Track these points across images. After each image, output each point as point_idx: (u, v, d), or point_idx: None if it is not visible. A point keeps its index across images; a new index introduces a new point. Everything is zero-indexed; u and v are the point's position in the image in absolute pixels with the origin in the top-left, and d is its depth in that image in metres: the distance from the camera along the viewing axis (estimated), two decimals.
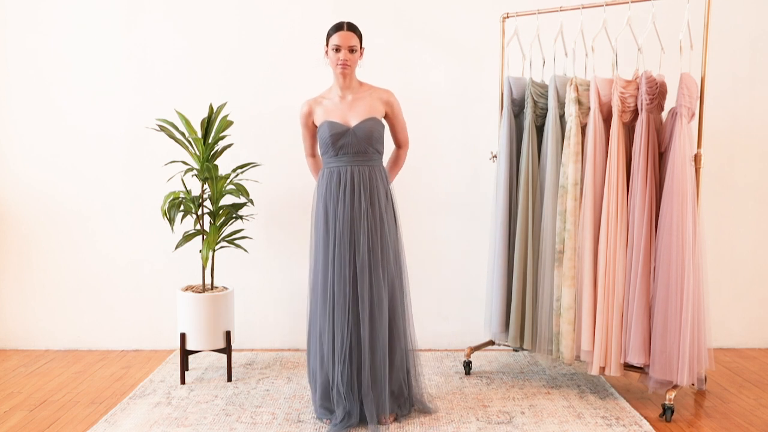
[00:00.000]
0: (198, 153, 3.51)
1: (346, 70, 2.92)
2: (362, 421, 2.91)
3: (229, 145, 3.66)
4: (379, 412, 2.90)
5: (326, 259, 2.94)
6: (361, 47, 2.97)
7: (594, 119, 3.22)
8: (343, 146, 2.93)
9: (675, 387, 3.08)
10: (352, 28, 2.94)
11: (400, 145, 3.18)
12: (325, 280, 2.93)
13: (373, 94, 3.01)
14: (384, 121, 3.06)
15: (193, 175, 3.55)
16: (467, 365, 3.63)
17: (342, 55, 2.89)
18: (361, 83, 3.04)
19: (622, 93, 3.15)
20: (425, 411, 3.07)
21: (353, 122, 2.94)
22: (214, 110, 3.52)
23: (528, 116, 3.47)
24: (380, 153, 3.01)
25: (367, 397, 2.87)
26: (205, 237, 3.51)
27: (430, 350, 4.08)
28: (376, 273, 2.90)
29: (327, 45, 2.95)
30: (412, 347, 3.05)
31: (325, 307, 2.92)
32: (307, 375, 3.09)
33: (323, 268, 2.95)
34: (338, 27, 2.92)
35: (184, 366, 3.52)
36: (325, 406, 2.96)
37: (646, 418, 3.04)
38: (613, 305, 3.17)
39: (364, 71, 3.14)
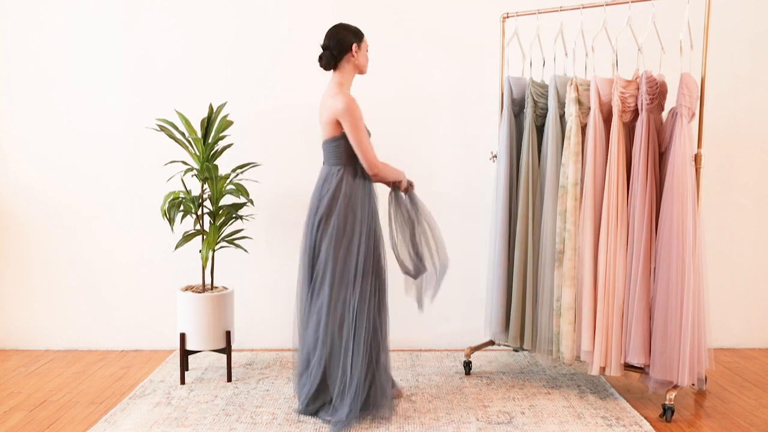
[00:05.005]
0: (198, 153, 3.51)
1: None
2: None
3: (229, 145, 3.66)
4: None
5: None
6: None
7: (594, 119, 3.22)
8: None
9: (675, 387, 3.08)
10: None
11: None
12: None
13: None
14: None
15: (193, 175, 3.55)
16: (467, 365, 3.63)
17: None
18: None
19: (622, 93, 3.15)
20: (381, 416, 2.99)
21: None
22: (214, 110, 3.52)
23: (528, 116, 3.46)
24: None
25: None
26: (205, 237, 3.51)
27: (430, 350, 4.08)
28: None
29: (359, 46, 2.95)
30: (364, 347, 2.94)
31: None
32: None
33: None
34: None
35: (184, 366, 3.52)
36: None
37: (646, 418, 3.04)
38: (613, 305, 3.17)
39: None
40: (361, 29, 3.02)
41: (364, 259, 2.94)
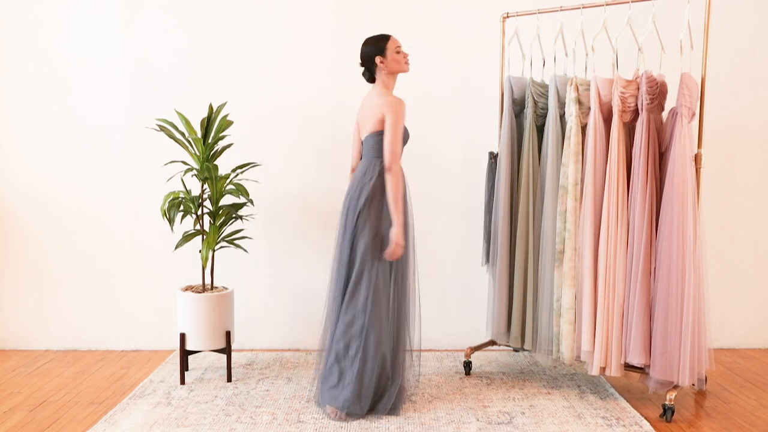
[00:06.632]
0: (198, 153, 3.51)
1: (408, 66, 3.18)
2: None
3: (229, 145, 3.66)
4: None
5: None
6: None
7: (594, 119, 3.22)
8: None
9: (675, 387, 3.08)
10: None
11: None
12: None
13: None
14: None
15: (192, 175, 3.54)
16: (467, 365, 3.63)
17: (403, 53, 3.15)
18: None
19: (622, 93, 3.15)
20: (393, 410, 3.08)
21: None
22: (214, 110, 3.52)
23: (528, 116, 3.46)
24: None
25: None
26: (204, 237, 3.51)
27: (430, 350, 4.08)
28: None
29: (383, 54, 3.11)
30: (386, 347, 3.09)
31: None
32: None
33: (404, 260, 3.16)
34: (387, 35, 3.15)
35: (184, 366, 3.52)
36: None
37: (646, 418, 3.04)
38: (613, 305, 3.16)
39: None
40: (385, 34, 3.14)
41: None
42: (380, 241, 3.04)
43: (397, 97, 3.10)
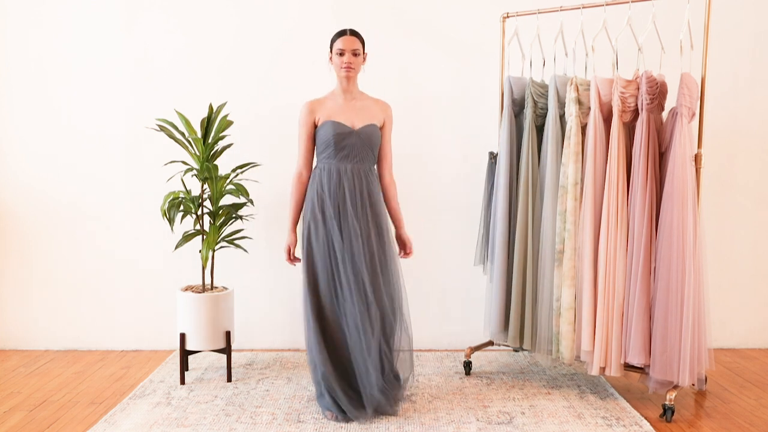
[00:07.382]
0: (198, 153, 3.51)
1: (350, 73, 3.04)
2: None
3: (229, 145, 3.66)
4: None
5: (328, 259, 2.99)
6: (363, 52, 3.09)
7: (594, 119, 3.22)
8: (346, 147, 3.02)
9: (675, 387, 3.08)
10: (354, 33, 3.07)
11: (383, 159, 3.18)
12: (332, 279, 3.00)
13: (375, 103, 3.17)
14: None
15: (192, 175, 3.54)
16: (467, 365, 3.63)
17: (346, 58, 3.01)
18: (360, 91, 3.17)
19: (622, 93, 3.15)
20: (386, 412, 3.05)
21: (357, 125, 3.06)
22: (214, 110, 3.52)
23: (528, 116, 3.46)
24: (375, 159, 3.15)
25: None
26: (204, 237, 3.51)
27: (430, 350, 4.08)
28: (378, 273, 3.01)
29: (331, 51, 3.08)
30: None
31: (338, 302, 2.99)
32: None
33: (327, 267, 2.99)
34: (341, 32, 3.06)
35: (184, 366, 3.52)
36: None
37: (646, 418, 3.04)
38: (613, 305, 3.16)
39: (365, 72, 3.16)
40: (338, 32, 3.08)
41: (305, 259, 3.08)
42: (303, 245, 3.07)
43: (305, 102, 3.08)
